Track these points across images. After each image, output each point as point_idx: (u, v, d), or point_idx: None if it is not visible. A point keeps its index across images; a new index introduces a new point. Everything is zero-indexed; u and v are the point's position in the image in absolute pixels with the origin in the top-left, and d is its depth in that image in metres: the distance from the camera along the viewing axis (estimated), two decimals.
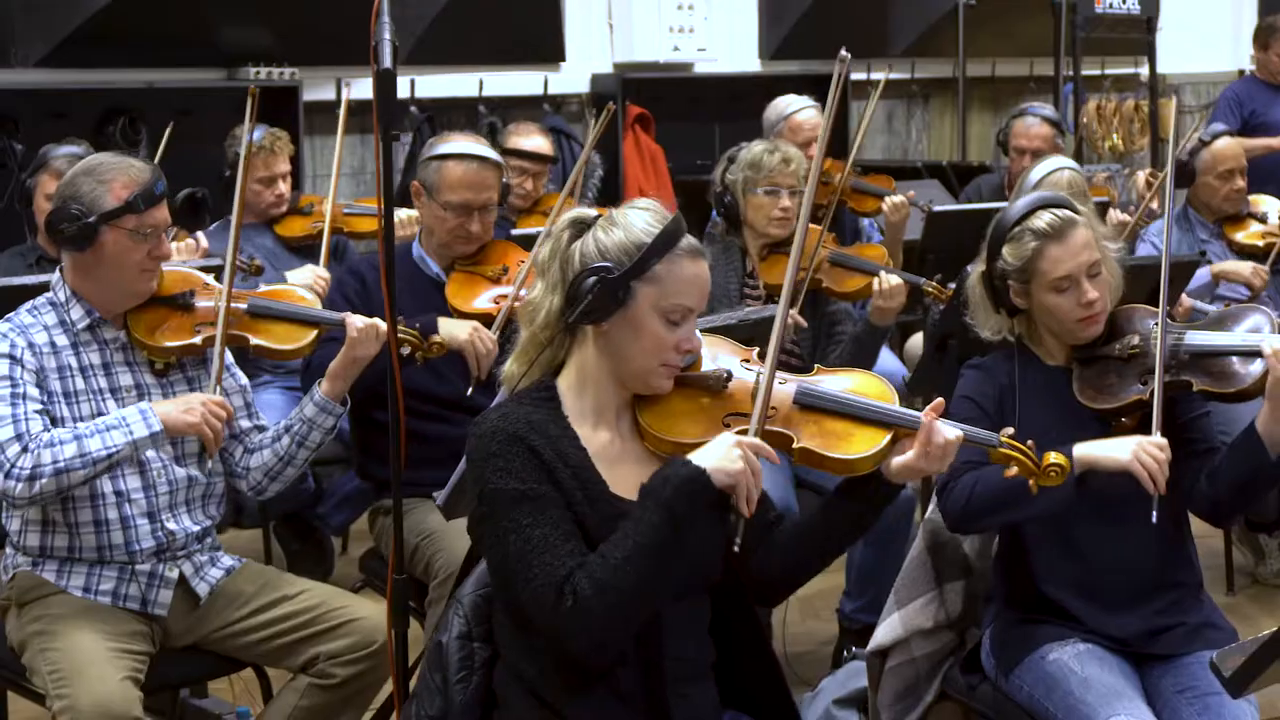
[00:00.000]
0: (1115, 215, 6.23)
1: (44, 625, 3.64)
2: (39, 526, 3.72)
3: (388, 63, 2.96)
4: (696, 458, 2.74)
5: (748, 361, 3.01)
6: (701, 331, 3.05)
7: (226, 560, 3.90)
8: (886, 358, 6.13)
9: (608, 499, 2.81)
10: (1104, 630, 3.44)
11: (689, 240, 2.88)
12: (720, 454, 2.74)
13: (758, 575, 2.98)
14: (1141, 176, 7.56)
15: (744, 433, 2.85)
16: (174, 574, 3.76)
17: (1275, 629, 2.45)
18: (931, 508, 3.70)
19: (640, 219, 2.85)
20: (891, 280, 5.01)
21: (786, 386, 2.94)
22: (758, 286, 5.25)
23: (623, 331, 2.84)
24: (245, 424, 3.95)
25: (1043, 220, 3.54)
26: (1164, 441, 3.33)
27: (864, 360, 5.09)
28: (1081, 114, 10.27)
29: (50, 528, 3.72)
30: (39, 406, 3.62)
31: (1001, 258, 3.57)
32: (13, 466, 3.54)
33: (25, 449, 3.55)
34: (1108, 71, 11.10)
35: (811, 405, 2.93)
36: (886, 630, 3.66)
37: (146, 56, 7.01)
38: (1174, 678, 3.38)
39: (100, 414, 3.69)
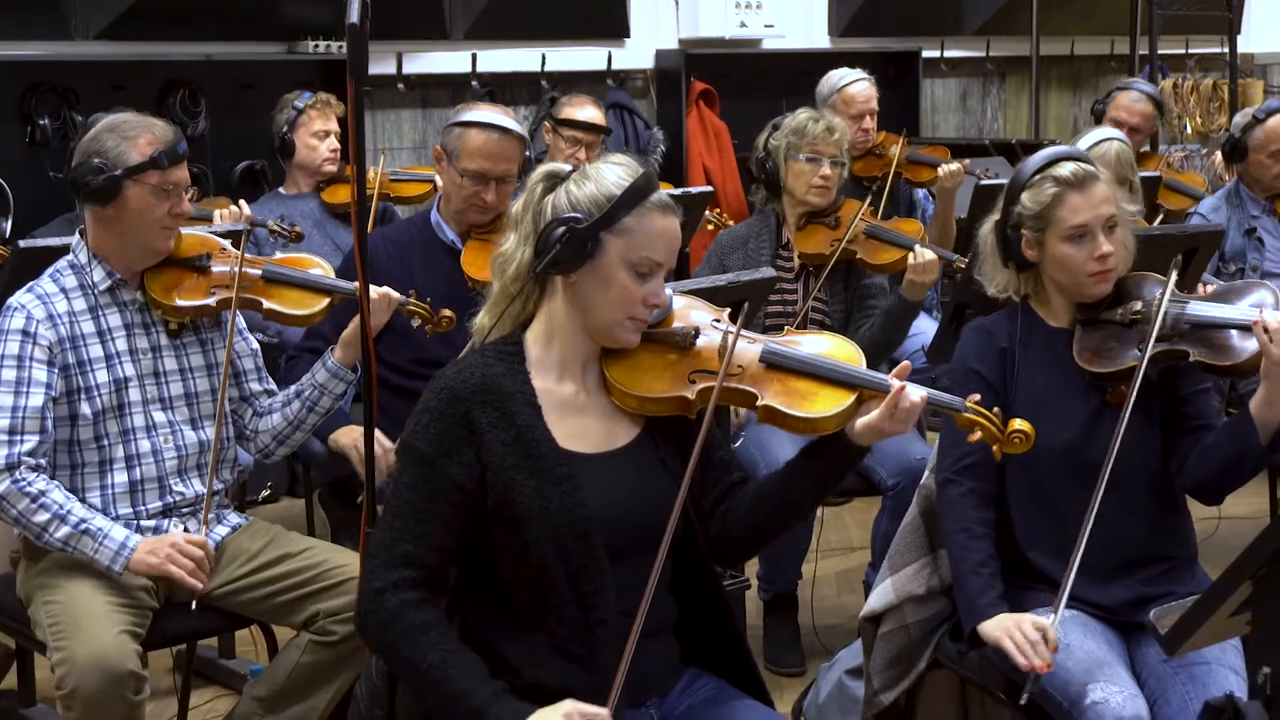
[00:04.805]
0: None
1: (48, 579, 3.69)
2: None
3: (355, 18, 2.99)
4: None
5: (719, 321, 3.02)
6: (677, 292, 3.06)
7: (233, 518, 3.94)
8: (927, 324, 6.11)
9: (554, 454, 2.82)
10: (1091, 598, 3.40)
11: (660, 195, 2.89)
12: None
13: (719, 536, 2.99)
14: (1219, 157, 7.47)
15: (708, 390, 2.86)
16: (179, 531, 3.80)
17: (1208, 588, 2.43)
18: (926, 474, 3.67)
19: (612, 173, 2.87)
20: (926, 255, 4.98)
21: (753, 346, 2.95)
22: (791, 258, 5.23)
23: (591, 283, 2.85)
24: (255, 387, 3.99)
25: (1065, 169, 3.52)
26: (1044, 622, 3.21)
27: (894, 334, 5.06)
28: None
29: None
30: (41, 398, 3.64)
31: (1020, 203, 3.54)
32: None
33: (10, 470, 3.60)
34: (1192, 50, 10.94)
35: (777, 365, 2.94)
36: (879, 596, 3.62)
37: (206, 29, 7.06)
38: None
39: (115, 380, 3.74)
